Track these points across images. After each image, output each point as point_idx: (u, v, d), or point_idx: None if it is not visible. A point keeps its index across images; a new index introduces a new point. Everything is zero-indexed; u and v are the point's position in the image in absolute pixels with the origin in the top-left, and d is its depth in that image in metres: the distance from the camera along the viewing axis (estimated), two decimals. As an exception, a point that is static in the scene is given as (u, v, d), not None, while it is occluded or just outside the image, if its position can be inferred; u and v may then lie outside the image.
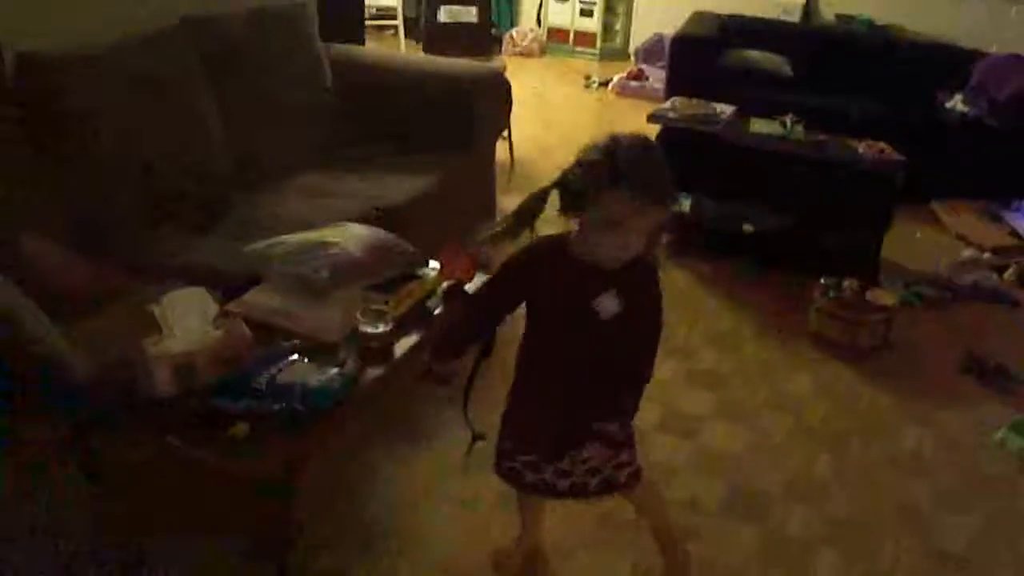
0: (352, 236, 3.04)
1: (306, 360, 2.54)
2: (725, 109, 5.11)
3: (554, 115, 7.55)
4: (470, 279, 3.09)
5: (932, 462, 3.50)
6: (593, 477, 2.49)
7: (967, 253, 5.32)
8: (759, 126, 4.96)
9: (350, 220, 3.30)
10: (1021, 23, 7.54)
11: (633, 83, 8.07)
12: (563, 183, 2.20)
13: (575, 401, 2.36)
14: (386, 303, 2.83)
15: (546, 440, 2.44)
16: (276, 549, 2.47)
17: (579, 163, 2.19)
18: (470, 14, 8.31)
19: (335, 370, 2.49)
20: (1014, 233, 5.74)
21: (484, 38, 8.91)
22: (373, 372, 2.65)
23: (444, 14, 8.60)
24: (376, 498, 3.08)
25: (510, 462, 2.53)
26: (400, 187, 4.04)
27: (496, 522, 2.93)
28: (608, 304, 2.23)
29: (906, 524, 3.15)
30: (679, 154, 4.71)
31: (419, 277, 3.09)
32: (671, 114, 4.98)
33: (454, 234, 3.99)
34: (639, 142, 2.20)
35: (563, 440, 2.43)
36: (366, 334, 2.72)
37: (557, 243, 2.27)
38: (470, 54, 7.26)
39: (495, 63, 6.23)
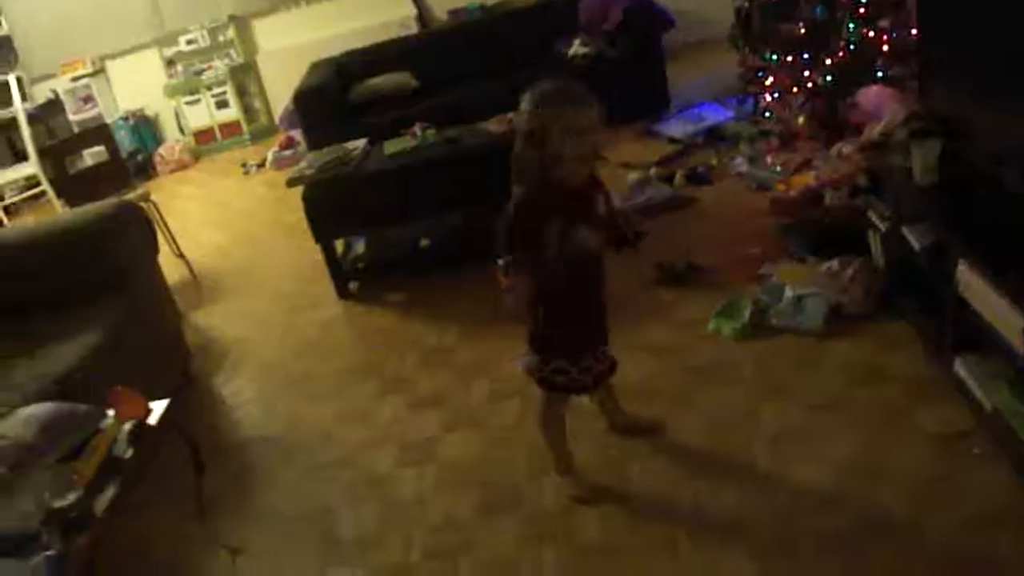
0: (20, 421, 2.91)
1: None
2: (358, 144, 5.09)
3: (222, 214, 7.41)
4: (147, 414, 3.05)
5: (657, 378, 3.60)
6: (607, 363, 3.03)
7: (632, 176, 5.49)
8: (393, 147, 4.97)
9: (27, 402, 3.14)
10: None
11: (286, 153, 7.99)
12: (515, 155, 2.69)
13: (598, 307, 2.94)
14: (74, 471, 2.71)
15: (592, 343, 2.95)
16: None
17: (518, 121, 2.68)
18: (100, 154, 8.01)
19: (40, 557, 2.38)
20: (672, 140, 5.99)
21: (120, 172, 8.55)
22: (80, 540, 2.52)
23: (71, 165, 8.23)
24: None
25: (566, 376, 2.89)
26: (69, 351, 3.85)
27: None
28: (583, 234, 2.71)
29: (649, 443, 3.26)
30: (331, 204, 4.79)
31: (102, 431, 2.97)
32: (307, 171, 4.93)
33: (145, 369, 4.02)
34: (548, 81, 2.67)
35: (600, 338, 2.98)
36: (61, 508, 2.58)
37: (536, 192, 2.69)
38: (113, 192, 6.98)
39: (139, 192, 6.03)
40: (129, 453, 2.95)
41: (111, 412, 3.09)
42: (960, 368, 3.04)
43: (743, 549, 2.71)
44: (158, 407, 3.17)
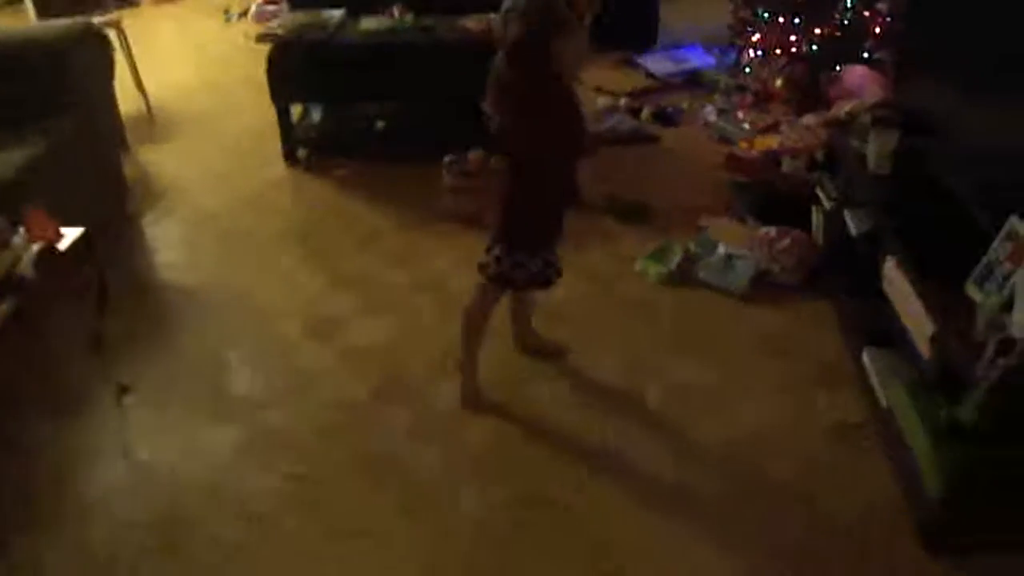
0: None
1: None
2: (335, 14, 4.98)
3: (195, 56, 7.22)
4: (58, 239, 3.11)
5: (577, 302, 3.64)
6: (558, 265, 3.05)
7: (602, 101, 5.46)
8: (369, 23, 4.86)
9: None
10: None
11: (270, 7, 7.80)
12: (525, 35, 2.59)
13: (566, 204, 2.96)
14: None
15: (554, 240, 2.97)
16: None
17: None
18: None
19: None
20: (650, 76, 5.93)
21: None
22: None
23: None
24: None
25: (524, 271, 2.90)
26: (9, 161, 3.79)
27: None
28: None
29: (553, 367, 3.30)
30: (297, 68, 4.71)
31: (7, 247, 3.01)
32: (279, 31, 4.82)
33: (81, 195, 4.00)
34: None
35: (560, 236, 2.98)
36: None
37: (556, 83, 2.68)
38: (85, 11, 6.80)
39: (108, 17, 5.86)
40: (33, 273, 2.96)
41: (22, 230, 3.08)
42: (867, 360, 3.08)
43: (636, 494, 2.77)
44: (71, 234, 3.17)
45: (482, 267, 2.92)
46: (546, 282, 3.02)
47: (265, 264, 4.07)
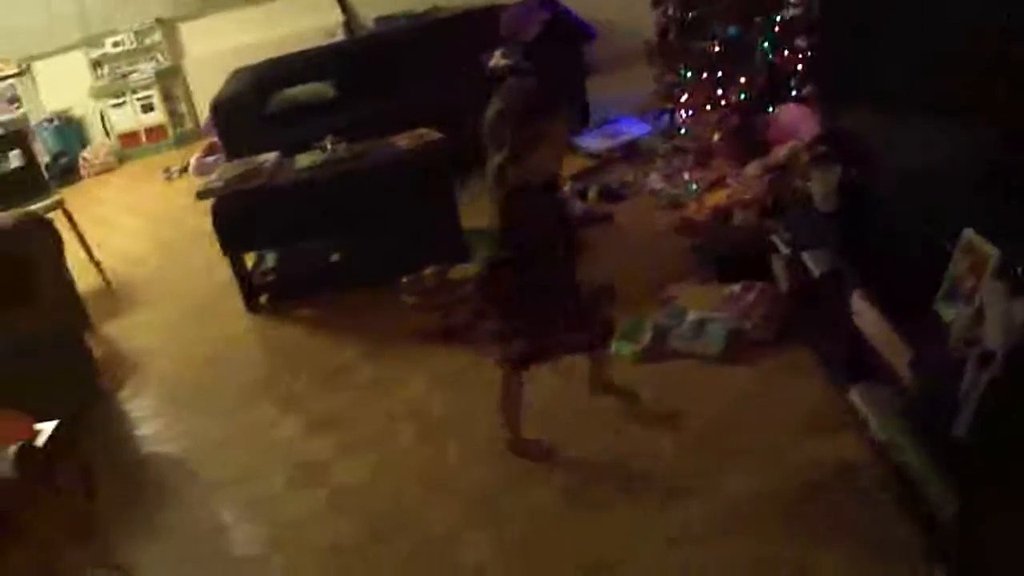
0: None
1: None
2: (269, 157, 5.00)
3: (143, 220, 7.28)
4: (33, 436, 3.06)
5: (555, 399, 3.55)
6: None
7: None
8: (304, 160, 4.89)
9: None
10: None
11: (209, 159, 7.86)
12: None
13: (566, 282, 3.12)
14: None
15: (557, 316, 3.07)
16: None
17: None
18: (16, 158, 7.78)
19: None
20: (590, 155, 5.97)
21: (36, 180, 8.28)
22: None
23: (-6, 166, 7.98)
24: None
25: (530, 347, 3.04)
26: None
27: None
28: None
29: (535, 470, 3.22)
30: (243, 217, 4.71)
31: None
32: (217, 184, 4.83)
33: (52, 384, 3.97)
34: (514, 82, 2.96)
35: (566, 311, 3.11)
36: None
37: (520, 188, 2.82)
38: (26, 200, 6.79)
39: (48, 201, 5.90)
40: (13, 474, 2.91)
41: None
42: (855, 397, 3.03)
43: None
44: (46, 429, 3.13)
45: (500, 361, 3.07)
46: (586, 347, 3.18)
47: (242, 419, 4.02)
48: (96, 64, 9.46)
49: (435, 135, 4.78)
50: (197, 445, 3.93)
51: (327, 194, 4.71)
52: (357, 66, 6.85)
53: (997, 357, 2.15)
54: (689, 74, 5.11)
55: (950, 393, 2.31)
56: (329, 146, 4.86)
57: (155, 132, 9.44)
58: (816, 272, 3.29)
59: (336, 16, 8.78)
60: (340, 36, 8.62)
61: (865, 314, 2.87)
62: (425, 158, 4.70)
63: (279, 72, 6.87)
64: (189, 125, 9.55)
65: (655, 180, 5.27)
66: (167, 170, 8.36)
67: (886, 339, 2.72)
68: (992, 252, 2.39)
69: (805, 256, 3.38)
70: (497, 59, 6.52)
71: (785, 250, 3.64)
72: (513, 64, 6.37)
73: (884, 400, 2.89)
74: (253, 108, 6.38)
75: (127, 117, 9.44)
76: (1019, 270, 2.29)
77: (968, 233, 2.48)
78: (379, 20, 8.60)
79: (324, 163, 4.80)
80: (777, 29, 4.75)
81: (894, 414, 2.71)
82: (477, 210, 4.78)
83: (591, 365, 3.40)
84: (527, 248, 2.91)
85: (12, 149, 7.29)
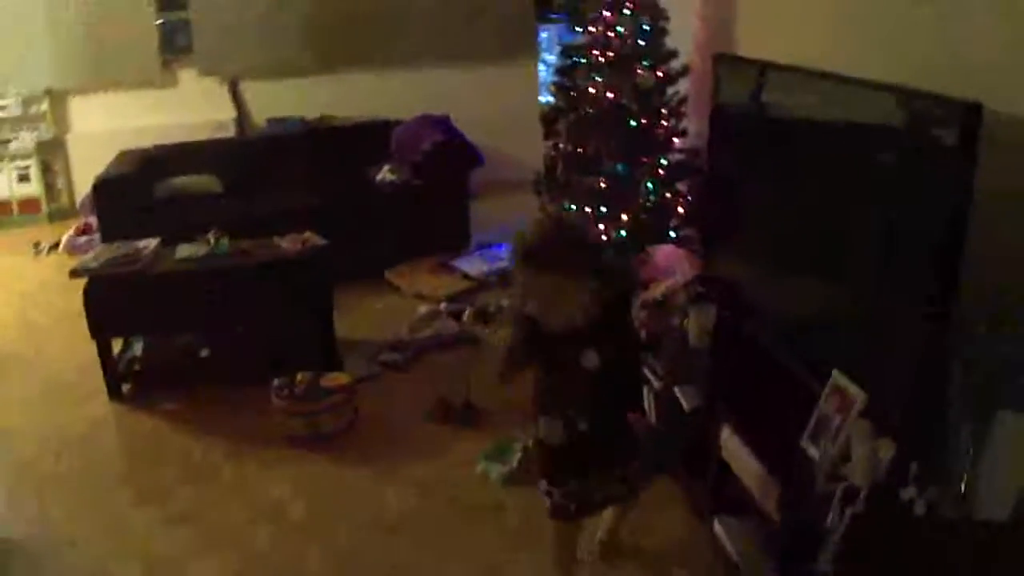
0: None
1: None
2: (150, 244, 4.93)
3: (5, 295, 6.97)
4: None
5: (417, 514, 3.56)
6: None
7: (423, 309, 5.52)
8: (185, 251, 4.82)
9: None
10: (431, 87, 8.04)
11: (82, 239, 7.70)
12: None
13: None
14: None
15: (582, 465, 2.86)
16: None
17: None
18: None
19: None
20: (466, 277, 6.05)
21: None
22: None
23: None
24: None
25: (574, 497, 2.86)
26: None
27: None
28: (591, 358, 2.64)
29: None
30: (114, 301, 4.61)
31: None
32: (92, 264, 4.72)
33: None
34: (535, 226, 2.70)
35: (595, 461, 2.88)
36: None
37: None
38: None
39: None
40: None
41: None
42: (719, 529, 3.10)
43: None
44: None
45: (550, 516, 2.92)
46: (576, 512, 2.93)
47: (95, 508, 3.85)
48: (-24, 127, 9.20)
49: (319, 240, 4.79)
50: (44, 533, 3.74)
51: (205, 288, 4.66)
52: (246, 163, 6.88)
53: (861, 494, 2.25)
54: (573, 207, 5.24)
55: (815, 528, 2.39)
56: (212, 239, 4.81)
57: (29, 204, 9.15)
58: (687, 406, 3.39)
59: (229, 112, 8.77)
60: (231, 132, 8.61)
61: (734, 449, 2.96)
62: (307, 263, 4.71)
63: (167, 159, 6.83)
64: (65, 201, 9.31)
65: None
66: (37, 244, 8.11)
67: (754, 473, 2.81)
68: (858, 393, 2.51)
69: (677, 390, 3.48)
70: (384, 173, 6.62)
71: (657, 384, 3.73)
72: (400, 180, 6.47)
73: (748, 533, 2.98)
74: (136, 191, 6.29)
75: (1, 186, 9.18)
76: (883, 410, 2.41)
77: (836, 374, 2.60)
78: (271, 121, 8.61)
79: (205, 256, 4.74)
80: (661, 172, 4.92)
81: (757, 547, 2.78)
82: (351, 321, 4.82)
83: (614, 518, 3.22)
84: (558, 400, 2.82)
85: None
